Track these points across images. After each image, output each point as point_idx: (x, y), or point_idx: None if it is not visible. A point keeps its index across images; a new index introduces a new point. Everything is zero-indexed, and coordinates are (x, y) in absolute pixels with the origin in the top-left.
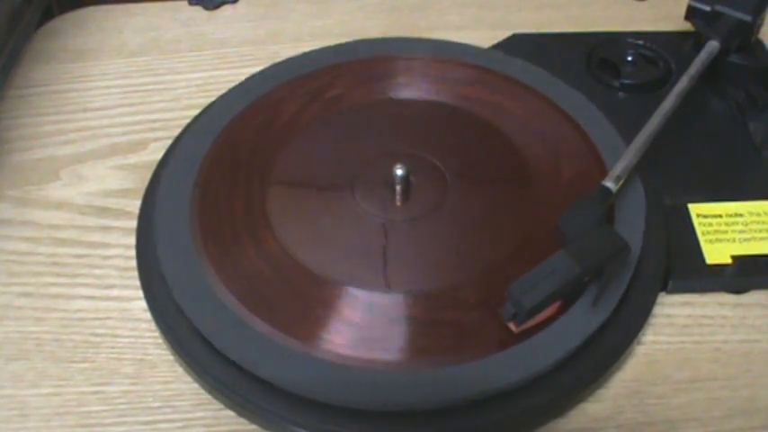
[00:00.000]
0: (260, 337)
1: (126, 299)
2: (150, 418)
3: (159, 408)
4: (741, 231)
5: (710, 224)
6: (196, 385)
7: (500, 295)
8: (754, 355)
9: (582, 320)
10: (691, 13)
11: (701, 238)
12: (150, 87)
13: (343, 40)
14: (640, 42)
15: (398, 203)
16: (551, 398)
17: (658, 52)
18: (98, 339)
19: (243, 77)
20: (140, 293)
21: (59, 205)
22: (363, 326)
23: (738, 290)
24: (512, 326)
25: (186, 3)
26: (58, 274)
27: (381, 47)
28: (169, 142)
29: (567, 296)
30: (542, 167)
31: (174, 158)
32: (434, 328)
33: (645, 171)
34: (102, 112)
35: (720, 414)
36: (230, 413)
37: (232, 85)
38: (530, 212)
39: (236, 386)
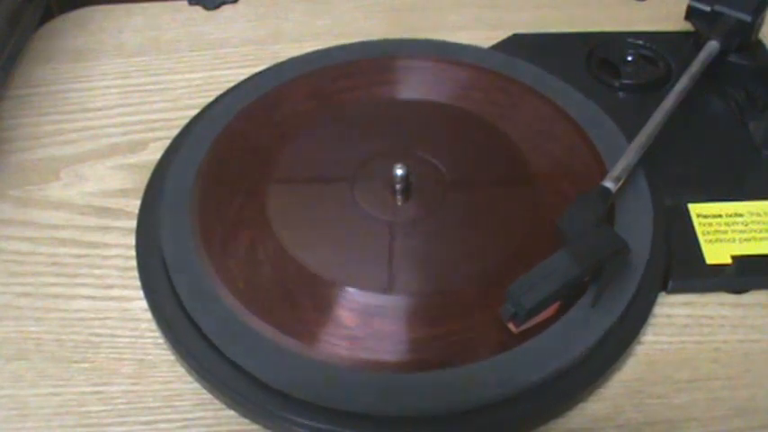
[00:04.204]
0: (260, 339)
1: (126, 299)
2: (150, 418)
3: (159, 408)
4: (741, 231)
5: (710, 224)
6: (196, 385)
7: (500, 296)
8: (754, 355)
9: (584, 322)
10: (691, 13)
11: (701, 238)
12: (150, 87)
13: (343, 40)
14: (640, 42)
15: (398, 203)
16: (551, 398)
17: (658, 52)
18: (98, 339)
19: (243, 77)
20: (140, 293)
21: (59, 205)
22: (362, 327)
23: (738, 290)
24: (511, 326)
25: (186, 3)
26: (58, 274)
27: (382, 47)
28: (169, 142)
29: (567, 296)
30: (542, 167)
31: (174, 158)
32: (434, 329)
33: (645, 171)
34: (102, 112)
35: (720, 414)
36: (231, 413)
37: (232, 85)
38: (530, 212)
39: (238, 386)
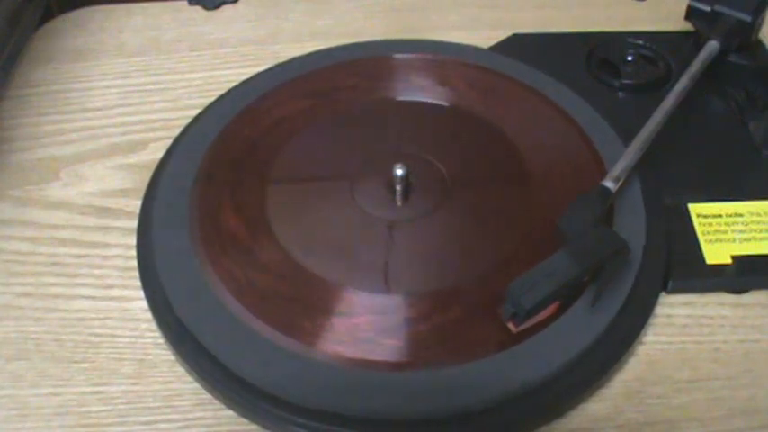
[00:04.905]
0: (258, 341)
1: (126, 299)
2: (150, 418)
3: (159, 408)
4: (741, 231)
5: (710, 224)
6: (196, 385)
7: (500, 296)
8: (754, 355)
9: (585, 322)
10: (691, 13)
11: (701, 238)
12: (150, 87)
13: (343, 40)
14: (640, 42)
15: (398, 204)
16: (552, 398)
17: (658, 52)
18: (98, 339)
19: (243, 77)
20: (140, 293)
21: (59, 205)
22: (361, 328)
23: (738, 290)
24: (511, 325)
25: (186, 3)
26: (58, 274)
27: (382, 48)
28: (169, 142)
29: (567, 296)
30: (542, 167)
31: (174, 159)
32: (434, 329)
33: (645, 171)
34: (102, 112)
35: (720, 414)
36: (230, 413)
37: (232, 85)
38: (529, 212)
39: (237, 386)
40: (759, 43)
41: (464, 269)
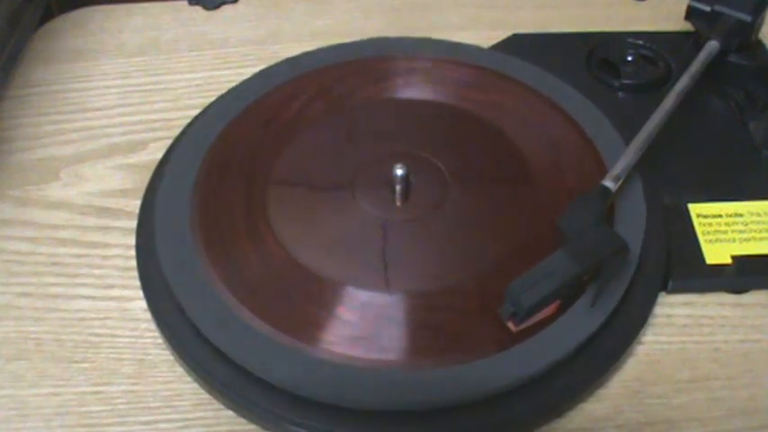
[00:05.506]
0: (259, 337)
1: (126, 299)
2: (150, 418)
3: (159, 408)
4: (741, 231)
5: (710, 224)
6: (196, 385)
7: (500, 295)
8: (754, 355)
9: (582, 320)
10: (691, 13)
11: (701, 238)
12: (150, 87)
13: (343, 40)
14: (640, 42)
15: (398, 203)
16: (551, 398)
17: (658, 52)
18: (98, 339)
19: (243, 77)
20: (140, 293)
21: (59, 205)
22: (363, 325)
23: (738, 290)
24: (510, 325)
25: (186, 3)
26: (58, 274)
27: (382, 46)
28: (169, 142)
29: (566, 295)
30: (542, 167)
31: (174, 158)
32: (434, 327)
33: (645, 171)
34: (101, 112)
35: (720, 414)
36: (230, 413)
37: (232, 85)
38: (529, 212)
39: (236, 386)
40: (759, 43)
41: (464, 268)
